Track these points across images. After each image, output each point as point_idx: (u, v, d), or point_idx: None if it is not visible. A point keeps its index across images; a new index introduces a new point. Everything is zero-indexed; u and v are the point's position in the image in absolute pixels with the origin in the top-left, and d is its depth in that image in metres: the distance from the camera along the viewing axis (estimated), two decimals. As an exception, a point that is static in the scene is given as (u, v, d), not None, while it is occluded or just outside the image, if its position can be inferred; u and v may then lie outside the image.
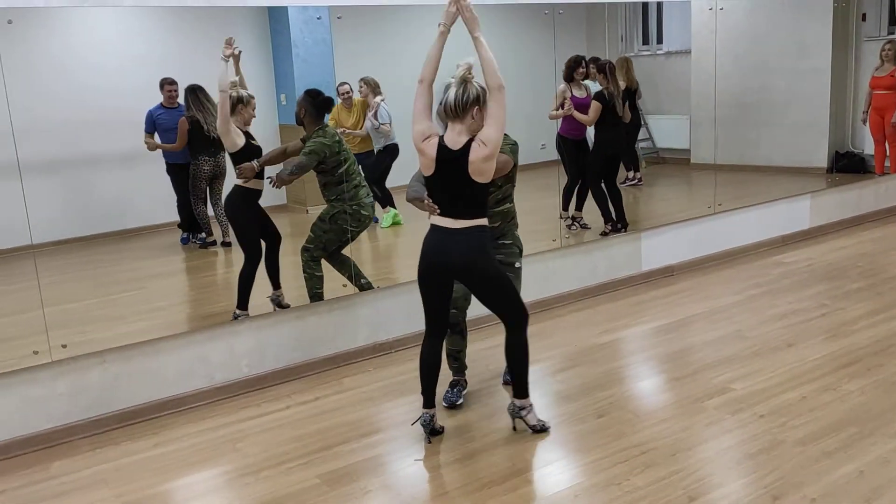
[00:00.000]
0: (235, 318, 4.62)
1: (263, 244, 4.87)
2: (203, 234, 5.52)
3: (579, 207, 6.39)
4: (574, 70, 6.13)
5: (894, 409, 3.68)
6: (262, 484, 3.41)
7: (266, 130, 5.97)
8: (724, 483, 3.20)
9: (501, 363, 4.19)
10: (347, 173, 4.80)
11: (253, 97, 4.80)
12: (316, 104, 4.75)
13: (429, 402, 3.72)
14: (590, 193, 6.32)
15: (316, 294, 4.77)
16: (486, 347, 4.79)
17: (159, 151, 5.23)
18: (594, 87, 6.34)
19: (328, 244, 4.78)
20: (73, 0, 3.81)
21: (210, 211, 5.41)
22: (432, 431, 3.71)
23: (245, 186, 4.74)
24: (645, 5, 8.03)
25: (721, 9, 6.39)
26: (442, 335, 3.77)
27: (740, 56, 7.57)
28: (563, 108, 6.13)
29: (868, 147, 8.06)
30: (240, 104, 4.71)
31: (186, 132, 5.17)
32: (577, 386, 4.21)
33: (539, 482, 3.31)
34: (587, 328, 5.10)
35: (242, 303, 4.68)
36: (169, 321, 4.66)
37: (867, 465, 3.22)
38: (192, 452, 3.74)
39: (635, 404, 3.98)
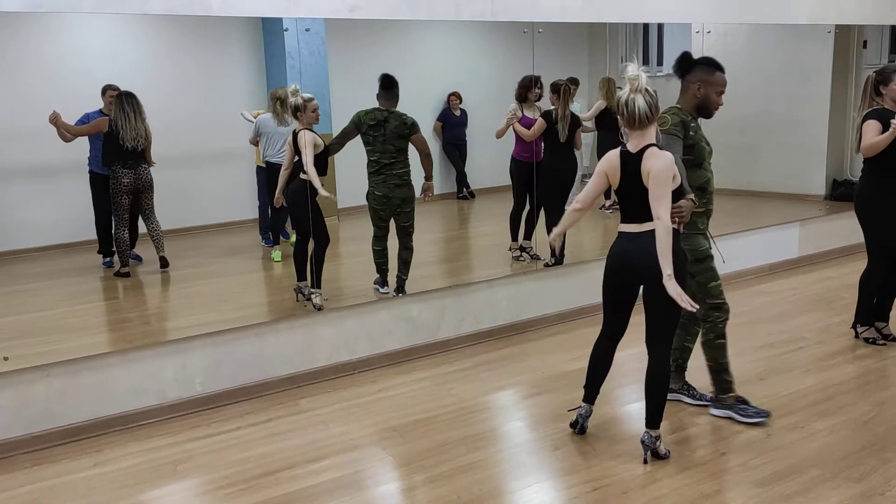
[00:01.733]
0: (308, 298, 4.84)
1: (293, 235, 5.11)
2: (109, 259, 5.28)
3: (528, 236, 6.18)
4: (528, 90, 6.03)
5: (861, 452, 3.52)
6: (195, 509, 3.29)
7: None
8: (674, 525, 3.06)
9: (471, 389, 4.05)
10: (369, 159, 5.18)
11: (311, 99, 4.89)
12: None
13: (589, 396, 3.76)
14: (542, 221, 6.02)
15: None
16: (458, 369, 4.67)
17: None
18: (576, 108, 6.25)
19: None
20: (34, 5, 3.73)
21: (143, 228, 5.24)
22: (581, 429, 3.76)
23: (304, 180, 4.84)
24: (646, 27, 7.94)
25: (708, 32, 6.28)
26: (616, 339, 3.72)
27: (739, 80, 7.41)
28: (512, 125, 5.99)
29: (865, 176, 7.92)
30: (298, 112, 4.83)
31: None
32: (537, 415, 4.07)
33: (482, 517, 3.16)
34: (559, 353, 4.96)
35: (317, 282, 4.91)
36: (120, 336, 4.56)
37: (826, 510, 3.07)
38: (130, 474, 3.61)
39: (594, 437, 3.82)
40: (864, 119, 4.67)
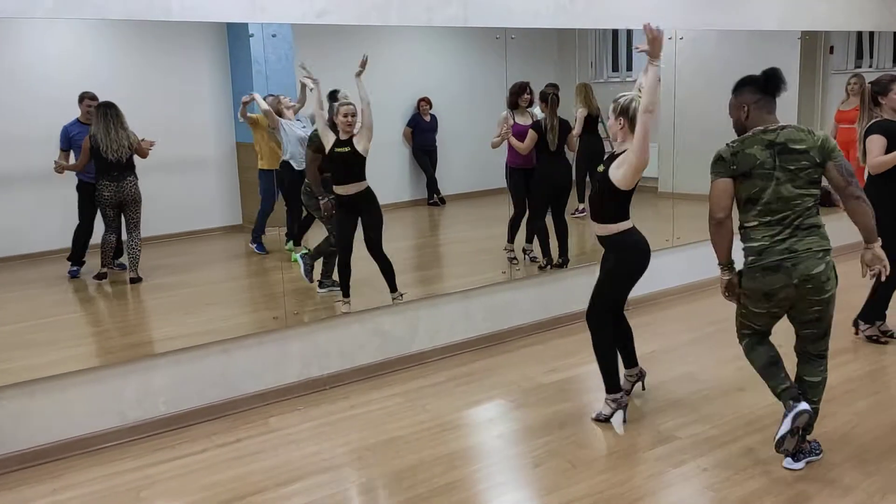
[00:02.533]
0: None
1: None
2: (124, 262, 5.15)
3: (529, 240, 6.15)
4: (518, 97, 5.94)
5: (844, 464, 3.48)
6: (160, 539, 3.13)
7: (223, 148, 5.75)
8: (659, 547, 2.97)
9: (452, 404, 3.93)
10: None
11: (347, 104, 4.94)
12: None
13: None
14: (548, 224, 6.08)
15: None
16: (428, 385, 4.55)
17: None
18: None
19: None
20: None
21: (125, 238, 5.09)
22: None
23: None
24: (615, 33, 7.92)
25: (681, 38, 6.25)
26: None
27: (708, 85, 7.43)
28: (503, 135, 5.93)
29: (833, 182, 7.97)
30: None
31: (88, 151, 4.87)
32: (515, 431, 3.97)
33: (461, 542, 3.05)
34: (534, 365, 4.86)
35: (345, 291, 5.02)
36: (79, 354, 4.37)
37: (812, 528, 3.01)
38: (90, 501, 3.44)
39: (574, 453, 3.73)
40: (868, 132, 4.72)
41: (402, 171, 7.53)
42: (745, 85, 3.40)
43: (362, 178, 4.97)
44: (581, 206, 7.26)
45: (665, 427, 3.92)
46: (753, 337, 3.59)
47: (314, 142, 5.11)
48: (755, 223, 3.34)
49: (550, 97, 5.77)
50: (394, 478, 3.53)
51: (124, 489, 3.54)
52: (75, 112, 4.92)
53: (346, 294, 5.00)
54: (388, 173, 7.66)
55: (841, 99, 7.85)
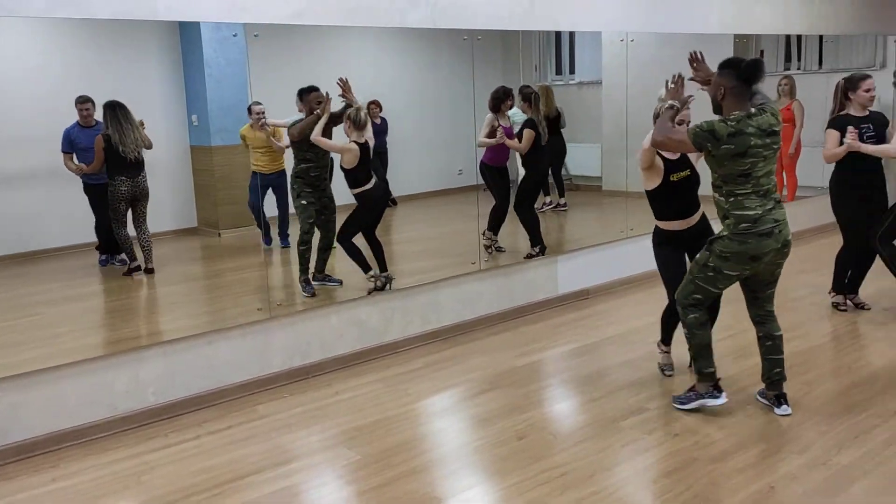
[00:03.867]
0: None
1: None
2: (124, 257, 5.30)
3: (496, 231, 6.42)
4: (503, 102, 6.24)
5: (800, 427, 3.81)
6: (169, 518, 3.24)
7: (176, 151, 5.80)
8: (642, 501, 3.23)
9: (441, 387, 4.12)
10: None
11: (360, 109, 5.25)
12: None
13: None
14: (511, 217, 6.35)
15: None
16: (409, 370, 4.74)
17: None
18: (517, 116, 6.45)
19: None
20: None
21: (132, 233, 5.22)
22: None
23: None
24: (558, 36, 8.22)
25: (632, 41, 6.60)
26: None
27: (649, 87, 7.82)
28: (495, 136, 6.19)
29: (768, 176, 8.45)
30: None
31: (102, 151, 5.01)
32: (496, 409, 4.19)
33: (459, 507, 3.26)
34: (505, 351, 5.11)
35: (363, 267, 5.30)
36: (71, 347, 4.42)
37: (777, 480, 3.31)
38: (94, 486, 3.53)
39: (554, 426, 3.99)
40: (828, 125, 5.29)
41: (353, 172, 7.67)
42: (727, 66, 3.63)
43: None
44: (561, 200, 7.61)
45: (635, 400, 4.21)
46: (701, 311, 3.91)
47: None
48: (748, 192, 3.62)
49: (533, 96, 6.10)
50: (388, 453, 3.72)
51: (125, 475, 3.63)
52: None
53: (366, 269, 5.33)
54: (338, 175, 7.80)
55: (772, 99, 8.36)
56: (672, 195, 4.16)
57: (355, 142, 5.19)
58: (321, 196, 5.46)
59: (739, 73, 3.57)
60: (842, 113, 5.28)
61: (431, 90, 7.67)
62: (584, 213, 8.15)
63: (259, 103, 5.49)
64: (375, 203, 5.39)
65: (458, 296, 5.53)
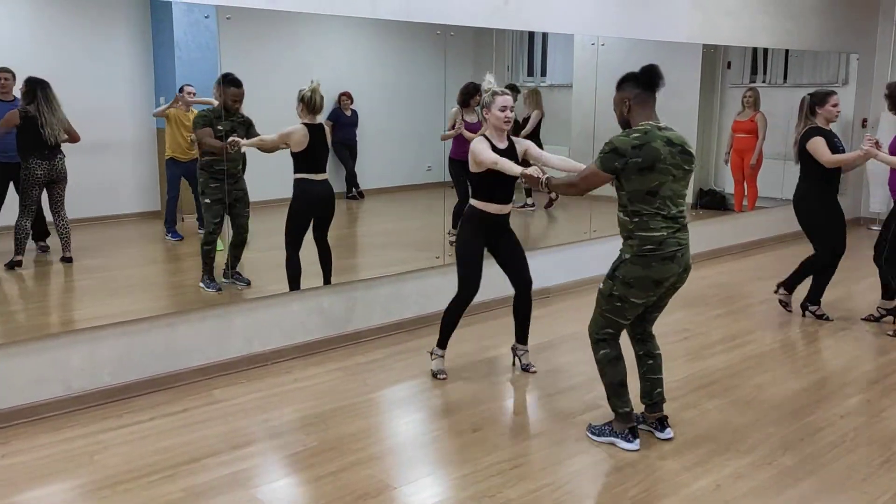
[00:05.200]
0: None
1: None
2: (46, 244, 5.03)
3: (455, 226, 6.48)
4: (471, 97, 6.29)
5: (748, 427, 3.91)
6: (120, 497, 3.22)
7: (142, 132, 5.73)
8: (592, 495, 3.30)
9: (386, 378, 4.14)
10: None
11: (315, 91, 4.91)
12: None
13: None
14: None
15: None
16: (367, 361, 4.76)
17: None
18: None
19: None
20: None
21: (50, 219, 4.93)
22: None
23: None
24: (531, 37, 8.28)
25: (603, 45, 6.69)
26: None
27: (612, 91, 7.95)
28: (453, 129, 6.24)
29: (729, 186, 8.62)
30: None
31: (13, 126, 4.67)
32: (455, 400, 4.23)
33: (413, 496, 3.28)
34: (466, 344, 5.14)
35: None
36: (22, 325, 4.35)
37: (723, 479, 3.40)
38: (45, 464, 3.49)
39: (510, 419, 4.04)
40: (807, 136, 5.36)
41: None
42: (625, 81, 3.53)
43: None
44: (529, 200, 7.70)
45: (590, 396, 4.28)
46: (614, 346, 3.67)
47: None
48: (653, 213, 3.40)
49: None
50: (344, 441, 3.73)
51: (77, 453, 3.59)
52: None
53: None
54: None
55: (737, 110, 8.54)
56: (496, 181, 4.22)
57: (306, 123, 4.87)
58: (231, 190, 5.10)
59: (638, 79, 3.48)
60: (813, 126, 5.39)
61: (403, 85, 7.67)
62: (549, 214, 8.23)
63: (190, 85, 5.39)
64: (310, 200, 4.97)
65: (422, 289, 5.56)
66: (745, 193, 8.43)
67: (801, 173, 5.57)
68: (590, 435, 3.77)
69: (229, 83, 5.06)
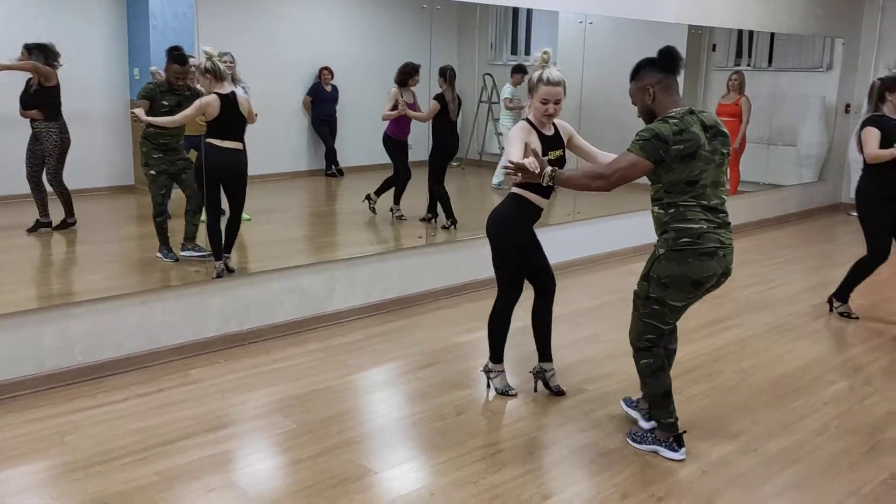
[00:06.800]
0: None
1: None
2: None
3: (397, 202, 6.57)
4: (411, 77, 6.25)
5: (733, 413, 3.88)
6: (91, 480, 3.12)
7: (115, 105, 5.57)
8: (577, 481, 3.24)
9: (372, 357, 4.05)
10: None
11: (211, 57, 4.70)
12: None
13: None
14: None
15: None
16: (346, 342, 4.67)
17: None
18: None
19: None
20: None
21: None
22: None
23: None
24: (515, 15, 8.17)
25: (591, 23, 6.59)
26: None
27: (604, 72, 7.85)
28: (396, 109, 6.25)
29: (712, 169, 8.58)
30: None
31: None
32: (437, 384, 4.16)
33: (395, 480, 3.21)
34: (448, 327, 5.07)
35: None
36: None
37: (709, 465, 3.36)
38: (15, 444, 3.37)
39: (494, 403, 3.97)
40: (864, 125, 5.12)
41: (301, 140, 7.54)
42: (643, 67, 3.24)
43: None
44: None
45: (576, 381, 4.23)
46: (656, 355, 3.39)
47: None
48: (692, 203, 3.16)
49: (449, 73, 6.17)
50: (324, 423, 3.65)
51: (48, 433, 3.48)
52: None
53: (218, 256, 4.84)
54: (285, 142, 7.63)
55: (721, 93, 8.49)
56: None
57: (216, 92, 4.68)
58: (175, 160, 5.07)
59: (659, 64, 3.19)
60: (877, 114, 5.13)
61: (386, 60, 7.54)
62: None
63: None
64: (212, 166, 4.73)
65: (403, 269, 5.47)
66: (727, 177, 8.40)
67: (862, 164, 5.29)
68: (631, 442, 3.51)
69: (173, 60, 4.96)
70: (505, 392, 4.00)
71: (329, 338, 4.81)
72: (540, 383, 4.08)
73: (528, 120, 3.73)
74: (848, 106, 9.62)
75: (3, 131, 4.95)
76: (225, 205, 4.93)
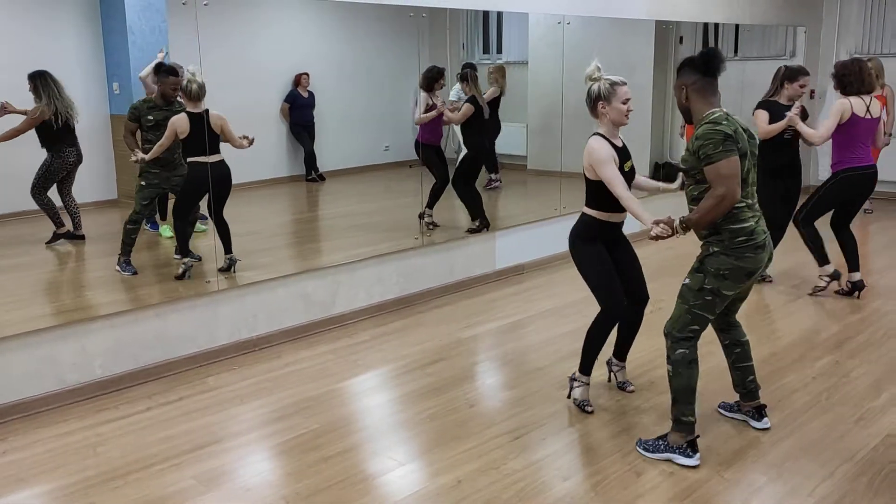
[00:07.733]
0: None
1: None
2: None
3: (430, 205, 6.55)
4: (436, 81, 6.32)
5: (724, 393, 4.07)
6: (131, 487, 3.25)
7: (96, 120, 5.65)
8: (592, 462, 3.45)
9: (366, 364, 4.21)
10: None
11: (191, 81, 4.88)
12: None
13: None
14: (448, 193, 6.49)
15: None
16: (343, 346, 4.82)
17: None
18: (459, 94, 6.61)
19: None
20: None
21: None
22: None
23: None
24: (486, 15, 8.32)
25: (569, 23, 6.79)
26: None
27: (574, 69, 8.05)
28: (431, 111, 6.27)
29: (685, 158, 8.84)
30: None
31: (36, 123, 5.03)
32: (447, 378, 4.34)
33: (422, 471, 3.38)
34: (449, 324, 5.25)
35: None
36: (13, 319, 4.29)
37: (710, 440, 3.58)
38: (48, 458, 3.49)
39: (504, 394, 4.16)
40: (756, 107, 5.51)
41: (280, 146, 7.62)
42: (683, 66, 3.35)
43: None
44: (494, 176, 7.77)
45: (573, 370, 4.41)
46: (693, 347, 3.42)
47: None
48: (742, 204, 3.27)
49: (469, 75, 6.22)
50: (345, 421, 3.82)
51: (78, 446, 3.60)
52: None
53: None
54: (265, 149, 7.71)
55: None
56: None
57: (188, 112, 4.88)
58: (171, 176, 5.17)
59: (697, 65, 3.28)
60: (771, 98, 5.58)
61: (361, 64, 7.67)
62: (516, 191, 8.36)
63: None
64: (202, 181, 4.90)
65: (402, 270, 5.63)
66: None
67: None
68: (641, 451, 3.48)
69: (166, 73, 5.12)
70: (582, 405, 3.93)
71: (336, 340, 4.96)
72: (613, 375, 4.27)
73: (600, 134, 3.71)
74: (813, 92, 9.94)
75: (9, 148, 5.00)
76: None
